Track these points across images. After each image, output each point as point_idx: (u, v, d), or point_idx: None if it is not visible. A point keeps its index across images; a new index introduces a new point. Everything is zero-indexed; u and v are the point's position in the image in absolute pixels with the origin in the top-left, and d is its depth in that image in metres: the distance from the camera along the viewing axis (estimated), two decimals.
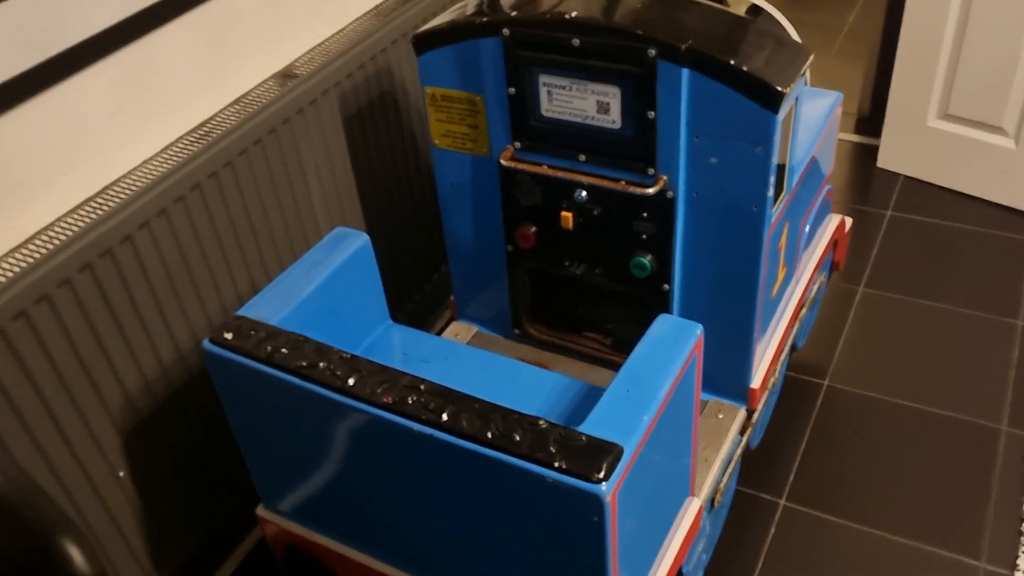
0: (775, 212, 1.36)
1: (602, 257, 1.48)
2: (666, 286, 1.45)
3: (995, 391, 1.93)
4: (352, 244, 1.34)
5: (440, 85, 1.46)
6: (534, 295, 1.63)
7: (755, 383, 1.51)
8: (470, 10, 1.40)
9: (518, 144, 1.43)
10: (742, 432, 1.54)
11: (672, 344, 1.12)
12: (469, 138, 1.49)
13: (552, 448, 0.99)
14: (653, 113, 1.29)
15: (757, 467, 1.81)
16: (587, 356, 1.62)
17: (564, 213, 1.45)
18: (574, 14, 1.28)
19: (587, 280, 1.52)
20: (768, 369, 1.54)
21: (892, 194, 2.50)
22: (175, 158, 1.37)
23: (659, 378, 1.08)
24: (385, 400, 1.07)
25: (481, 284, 1.66)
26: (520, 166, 1.42)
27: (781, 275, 1.53)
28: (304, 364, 1.12)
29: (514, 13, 1.33)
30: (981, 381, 1.95)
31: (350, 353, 1.13)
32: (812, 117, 1.58)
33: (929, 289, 2.19)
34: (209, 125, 1.45)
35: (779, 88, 1.20)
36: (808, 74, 1.80)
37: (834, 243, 1.92)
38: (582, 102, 1.34)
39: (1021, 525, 1.66)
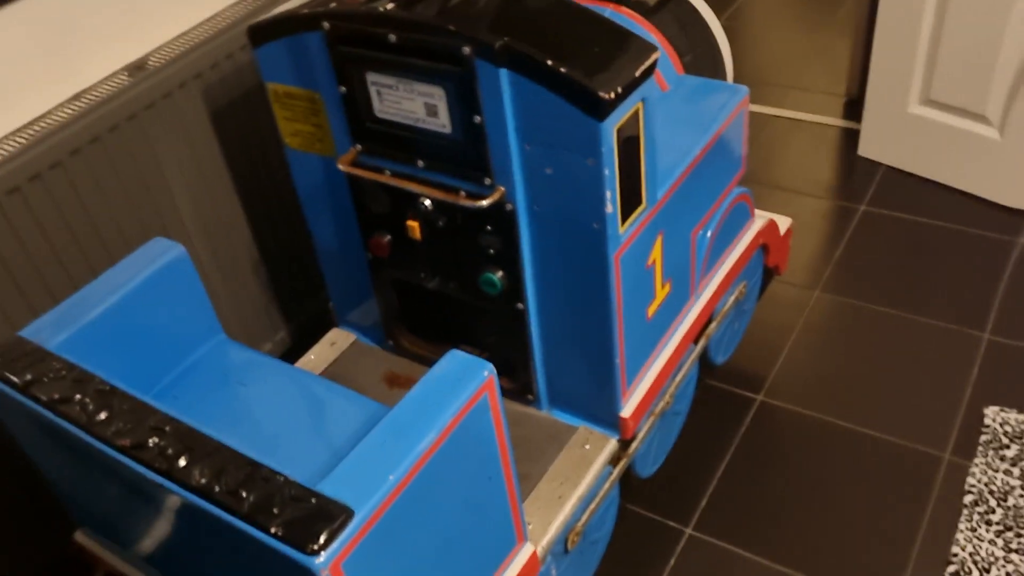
0: (629, 229, 1.21)
1: (454, 271, 1.36)
2: (520, 305, 1.32)
3: (945, 414, 1.74)
4: (163, 256, 1.24)
5: (280, 81, 1.34)
6: (406, 305, 1.52)
7: (626, 412, 1.37)
8: (303, 0, 1.28)
9: (359, 146, 1.31)
10: (615, 462, 1.40)
11: (450, 388, 0.99)
12: (316, 138, 1.38)
13: (276, 509, 0.88)
14: (479, 117, 1.15)
15: (668, 491, 1.67)
16: None
17: (410, 222, 1.33)
18: (389, 7, 1.15)
19: (445, 293, 1.40)
20: (646, 397, 1.39)
21: (870, 186, 2.29)
22: None
23: (422, 428, 0.95)
24: (121, 443, 0.97)
25: (355, 291, 1.55)
26: (355, 171, 1.30)
27: (661, 293, 1.38)
28: (57, 397, 1.04)
29: (333, 4, 1.20)
30: (932, 402, 1.76)
31: (110, 385, 1.04)
32: (703, 115, 1.41)
33: (891, 294, 2.00)
34: (44, 122, 1.36)
35: (601, 94, 1.05)
36: (729, 66, 1.63)
37: (764, 247, 1.75)
38: (410, 103, 1.21)
39: (945, 570, 1.49)
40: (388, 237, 1.39)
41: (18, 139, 1.33)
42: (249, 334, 1.73)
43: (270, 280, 1.74)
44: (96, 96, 1.40)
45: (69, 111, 1.38)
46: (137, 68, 1.46)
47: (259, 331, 1.76)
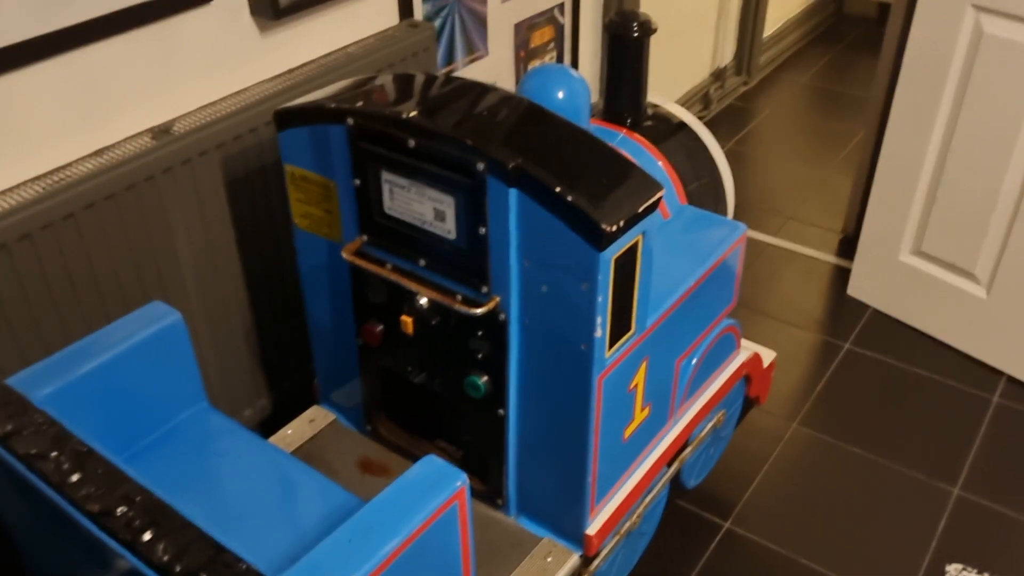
0: (615, 353, 1.24)
1: (440, 369, 1.38)
2: (501, 411, 1.34)
3: (908, 566, 1.75)
4: (159, 321, 1.27)
5: (298, 164, 1.39)
6: (389, 394, 1.53)
7: (592, 529, 1.38)
8: (331, 92, 1.33)
9: (365, 237, 1.34)
10: None
11: (422, 493, 1.01)
12: (325, 223, 1.41)
13: None
14: (484, 229, 1.19)
15: None
16: None
17: (404, 317, 1.36)
18: (413, 114, 1.20)
19: (429, 389, 1.42)
20: (613, 516, 1.41)
21: (856, 326, 2.34)
22: (7, 202, 1.32)
23: (390, 531, 0.97)
24: (90, 507, 0.98)
25: (341, 372, 1.57)
26: (358, 261, 1.33)
27: (640, 416, 1.40)
28: (33, 452, 1.04)
29: (360, 103, 1.25)
30: (896, 552, 1.77)
31: (88, 447, 1.05)
32: (700, 247, 1.46)
33: (866, 437, 2.02)
34: (63, 173, 1.40)
35: (603, 226, 1.09)
36: (731, 199, 1.68)
37: (747, 377, 1.78)
38: (420, 206, 1.25)
39: None
40: (381, 327, 1.41)
41: (36, 187, 1.36)
42: (232, 397, 1.74)
43: (260, 348, 1.76)
44: (118, 154, 1.44)
45: (89, 166, 1.42)
46: (162, 132, 1.51)
47: (242, 395, 1.77)
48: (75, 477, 1.02)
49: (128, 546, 0.95)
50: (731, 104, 3.43)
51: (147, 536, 0.95)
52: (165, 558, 0.93)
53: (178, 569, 0.92)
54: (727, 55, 3.37)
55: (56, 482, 1.01)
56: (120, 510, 0.98)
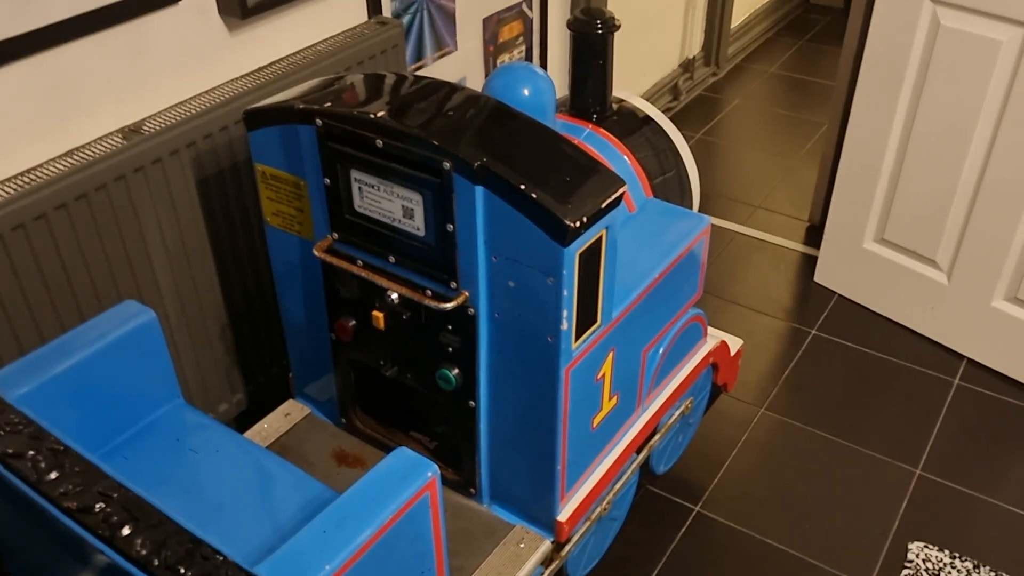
0: (582, 345, 1.28)
1: (412, 363, 1.41)
2: (472, 402, 1.37)
3: (872, 545, 1.80)
4: (133, 320, 1.28)
5: (268, 164, 1.41)
6: (363, 387, 1.56)
7: (563, 516, 1.41)
8: (300, 92, 1.35)
9: (336, 235, 1.37)
10: (547, 563, 1.44)
11: (394, 484, 1.04)
12: (296, 220, 1.44)
13: None
14: (452, 226, 1.22)
15: None
16: None
17: (376, 312, 1.39)
18: (380, 114, 1.22)
19: (401, 382, 1.45)
20: (584, 503, 1.44)
21: (823, 312, 2.39)
22: None
23: (364, 521, 0.99)
24: (68, 504, 1.00)
25: (315, 367, 1.59)
26: (329, 258, 1.36)
27: (608, 405, 1.44)
28: (10, 451, 1.06)
29: (328, 104, 1.27)
30: (861, 531, 1.83)
31: (64, 445, 1.07)
32: (665, 240, 1.49)
33: (832, 420, 2.07)
34: (34, 175, 1.41)
35: (567, 222, 1.13)
36: (696, 192, 1.72)
37: (714, 365, 1.82)
38: (389, 204, 1.27)
39: None
40: (353, 322, 1.44)
41: (6, 189, 1.37)
42: (207, 393, 1.76)
43: (235, 344, 1.78)
44: (88, 155, 1.46)
45: (60, 166, 1.43)
46: (132, 131, 1.52)
47: (218, 391, 1.79)
48: (52, 475, 1.04)
49: (107, 541, 0.97)
50: (700, 95, 3.47)
51: (125, 531, 0.98)
52: (143, 552, 0.95)
53: (156, 563, 0.95)
54: (695, 46, 3.40)
55: (33, 480, 1.03)
56: (98, 506, 1.00)
